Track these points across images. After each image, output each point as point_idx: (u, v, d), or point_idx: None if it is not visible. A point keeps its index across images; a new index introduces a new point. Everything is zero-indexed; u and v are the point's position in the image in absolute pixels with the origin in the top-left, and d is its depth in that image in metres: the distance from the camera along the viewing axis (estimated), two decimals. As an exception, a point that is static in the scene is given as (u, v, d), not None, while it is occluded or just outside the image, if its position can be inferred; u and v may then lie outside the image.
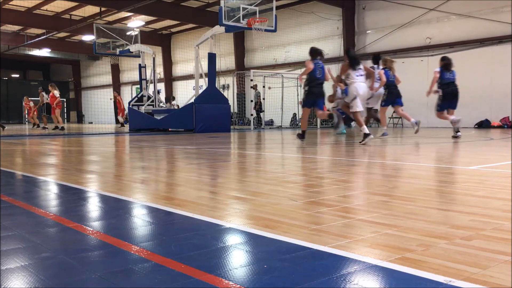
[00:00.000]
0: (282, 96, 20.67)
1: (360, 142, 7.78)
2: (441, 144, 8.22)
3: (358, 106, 8.14)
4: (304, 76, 8.44)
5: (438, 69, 9.21)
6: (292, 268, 1.55)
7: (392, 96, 9.80)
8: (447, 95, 9.13)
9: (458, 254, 1.69)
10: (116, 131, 16.44)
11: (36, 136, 12.83)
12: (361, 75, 8.22)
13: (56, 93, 16.75)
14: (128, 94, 31.07)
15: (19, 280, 1.46)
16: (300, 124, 10.07)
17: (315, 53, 8.42)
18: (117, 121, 26.63)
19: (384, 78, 9.44)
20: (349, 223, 2.20)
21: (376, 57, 10.22)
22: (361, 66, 8.28)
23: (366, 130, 7.86)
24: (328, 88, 9.80)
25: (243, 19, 12.67)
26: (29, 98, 22.91)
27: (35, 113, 21.21)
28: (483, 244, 1.81)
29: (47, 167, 5.05)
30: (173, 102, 23.41)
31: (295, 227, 2.12)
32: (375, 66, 9.93)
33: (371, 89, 9.07)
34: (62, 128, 16.96)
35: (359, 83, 8.16)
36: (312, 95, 8.37)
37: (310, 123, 13.81)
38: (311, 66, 8.18)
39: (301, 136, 8.61)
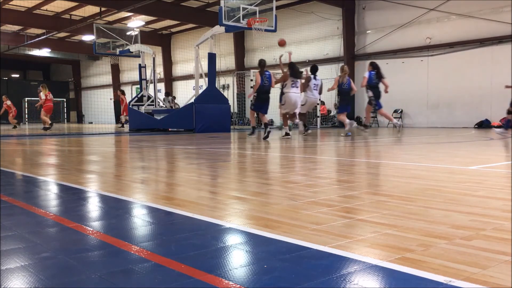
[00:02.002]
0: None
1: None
2: (440, 144, 8.22)
3: (285, 109, 10.45)
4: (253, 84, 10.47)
5: (367, 75, 10.73)
6: (292, 268, 1.55)
7: (343, 102, 11.24)
8: (377, 97, 10.79)
9: (458, 254, 1.69)
10: (116, 131, 16.44)
11: (36, 136, 12.83)
12: (297, 87, 10.27)
13: (42, 95, 16.53)
14: (128, 94, 31.06)
15: (19, 280, 1.46)
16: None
17: (260, 65, 10.27)
18: (117, 121, 26.53)
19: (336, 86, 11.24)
20: (349, 223, 2.20)
21: (313, 68, 11.57)
22: (298, 81, 10.25)
23: (287, 130, 10.38)
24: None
25: (243, 19, 12.67)
26: (8, 97, 21.80)
27: (15, 113, 21.05)
28: (483, 244, 1.81)
29: (47, 167, 5.05)
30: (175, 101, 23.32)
31: (295, 227, 2.12)
32: (312, 76, 11.39)
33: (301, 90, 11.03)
34: (51, 124, 16.79)
35: (292, 93, 10.18)
36: (260, 101, 10.25)
37: (310, 123, 13.90)
38: (259, 79, 10.07)
39: (252, 132, 10.78)
